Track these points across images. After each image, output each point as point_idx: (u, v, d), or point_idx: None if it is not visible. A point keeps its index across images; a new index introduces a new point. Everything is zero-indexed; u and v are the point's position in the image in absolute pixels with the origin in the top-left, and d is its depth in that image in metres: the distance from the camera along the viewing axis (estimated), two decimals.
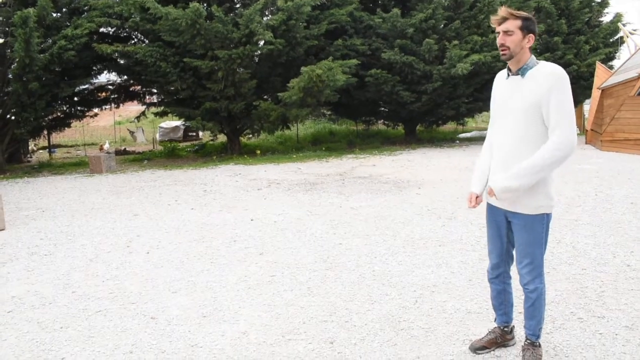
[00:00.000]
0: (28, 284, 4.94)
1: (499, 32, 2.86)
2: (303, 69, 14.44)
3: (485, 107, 19.87)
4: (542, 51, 19.58)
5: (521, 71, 2.85)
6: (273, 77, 16.54)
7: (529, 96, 2.78)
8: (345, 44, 17.10)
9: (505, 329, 3.31)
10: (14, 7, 14.05)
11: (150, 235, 6.63)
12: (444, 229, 6.47)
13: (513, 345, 3.34)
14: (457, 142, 20.84)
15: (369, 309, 4.03)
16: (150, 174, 13.08)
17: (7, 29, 14.20)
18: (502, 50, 2.85)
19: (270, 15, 15.99)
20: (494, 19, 2.86)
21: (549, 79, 2.73)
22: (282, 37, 15.04)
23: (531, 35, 2.82)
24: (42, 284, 4.92)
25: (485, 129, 22.91)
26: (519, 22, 2.80)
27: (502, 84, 3.03)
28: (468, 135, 23.43)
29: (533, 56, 2.87)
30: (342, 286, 4.56)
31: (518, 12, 2.83)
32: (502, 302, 3.26)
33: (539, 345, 3.11)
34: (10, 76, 14.52)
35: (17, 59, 13.35)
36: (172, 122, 28.19)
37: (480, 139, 19.19)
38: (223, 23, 14.33)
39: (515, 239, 3.02)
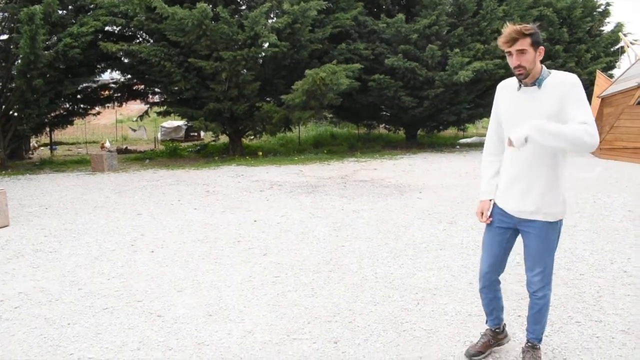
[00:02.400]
0: (34, 280, 5.01)
1: (510, 52, 2.82)
2: (307, 72, 14.52)
3: (486, 113, 19.94)
4: (544, 59, 19.61)
5: (538, 82, 2.84)
6: (277, 79, 16.62)
7: (550, 105, 2.77)
8: (349, 48, 17.19)
9: (497, 329, 3.35)
10: (20, 4, 14.11)
11: (154, 235, 6.70)
12: (445, 232, 6.55)
13: (507, 342, 3.41)
14: (458, 147, 20.92)
15: (372, 311, 4.11)
16: (152, 174, 13.15)
17: (12, 25, 14.26)
18: (519, 71, 2.82)
19: (275, 18, 16.10)
20: (503, 42, 2.81)
21: (567, 86, 2.75)
22: (286, 40, 15.13)
23: (541, 47, 2.82)
24: (48, 281, 4.98)
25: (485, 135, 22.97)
26: (529, 40, 2.77)
27: (512, 94, 2.98)
28: (468, 140, 23.51)
29: (543, 65, 2.88)
30: (346, 288, 4.64)
31: (526, 28, 2.77)
32: (493, 308, 3.30)
33: (539, 348, 3.17)
34: (14, 72, 14.59)
35: (21, 56, 13.40)
36: (174, 122, 28.26)
37: (480, 145, 19.28)
38: (229, 24, 14.42)
39: (527, 247, 3.03)
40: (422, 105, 17.79)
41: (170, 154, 18.62)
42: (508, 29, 2.81)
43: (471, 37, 17.86)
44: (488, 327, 3.37)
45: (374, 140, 23.08)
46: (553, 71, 2.86)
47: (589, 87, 19.85)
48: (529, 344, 3.17)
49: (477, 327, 3.75)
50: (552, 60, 19.84)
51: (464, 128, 26.42)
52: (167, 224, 7.28)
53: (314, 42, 16.09)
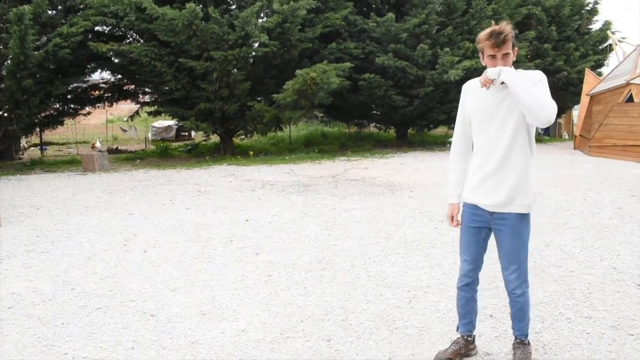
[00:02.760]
0: (27, 280, 5.00)
1: (494, 56, 2.84)
2: (298, 71, 14.55)
3: None
4: (533, 57, 19.84)
5: None
6: (267, 79, 16.64)
7: (517, 103, 2.82)
8: (340, 47, 17.24)
9: (469, 338, 3.33)
10: (9, 4, 14.02)
11: (147, 234, 6.70)
12: (436, 231, 6.60)
13: (475, 354, 3.35)
14: (448, 145, 20.97)
15: (364, 309, 4.15)
16: (143, 173, 13.12)
17: (1, 25, 14.17)
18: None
19: (265, 18, 16.10)
20: (491, 45, 2.82)
21: (533, 79, 2.82)
22: (277, 40, 15.15)
23: (516, 48, 2.91)
24: (41, 281, 4.98)
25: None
26: (511, 43, 2.85)
27: (480, 93, 3.00)
28: None
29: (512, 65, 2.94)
30: (338, 286, 4.67)
31: (510, 31, 2.83)
32: (468, 310, 3.30)
33: (528, 343, 3.20)
34: (4, 73, 14.50)
35: (11, 56, 13.34)
36: (165, 122, 28.18)
37: None
38: (219, 24, 14.41)
39: (500, 246, 3.07)
40: (412, 104, 17.88)
41: (161, 154, 18.58)
42: (497, 31, 2.81)
43: (461, 35, 17.97)
44: (460, 335, 3.34)
45: (365, 139, 23.15)
46: (520, 70, 2.90)
47: (578, 85, 20.05)
48: (517, 340, 3.20)
49: None
50: (542, 59, 20.01)
51: (454, 126, 26.58)
52: (159, 224, 7.28)
53: (304, 41, 16.12)
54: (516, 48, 2.91)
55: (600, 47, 23.08)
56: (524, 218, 2.99)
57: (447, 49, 16.91)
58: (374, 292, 4.50)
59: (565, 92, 21.37)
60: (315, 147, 19.60)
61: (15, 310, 4.27)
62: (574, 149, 18.25)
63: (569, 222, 6.94)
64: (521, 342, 3.19)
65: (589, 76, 18.55)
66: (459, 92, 3.27)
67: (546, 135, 27.04)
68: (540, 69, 18.69)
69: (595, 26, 23.50)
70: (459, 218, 3.23)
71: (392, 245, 5.99)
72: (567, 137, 25.81)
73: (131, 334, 3.79)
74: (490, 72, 2.80)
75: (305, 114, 17.11)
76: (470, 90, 3.08)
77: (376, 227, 6.88)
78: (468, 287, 3.26)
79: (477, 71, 16.81)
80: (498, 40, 2.81)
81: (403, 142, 20.74)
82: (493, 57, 2.86)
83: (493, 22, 2.99)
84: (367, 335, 3.68)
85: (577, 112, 20.75)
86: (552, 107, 2.69)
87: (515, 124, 2.87)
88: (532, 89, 2.70)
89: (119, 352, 3.50)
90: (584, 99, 17.98)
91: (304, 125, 28.49)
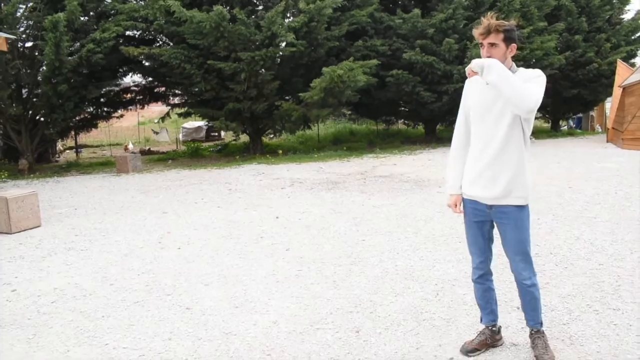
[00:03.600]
0: (68, 277, 5.23)
1: (482, 44, 2.98)
2: (324, 69, 14.64)
3: None
4: (563, 49, 19.54)
5: None
6: (295, 78, 16.77)
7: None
8: (366, 44, 17.26)
9: (494, 328, 3.38)
10: (44, 12, 14.50)
11: (180, 232, 6.90)
12: (464, 226, 6.61)
13: (502, 345, 3.41)
14: None
15: (392, 301, 4.24)
16: (175, 174, 13.41)
17: (37, 32, 14.65)
18: None
19: (292, 17, 16.24)
20: (478, 33, 2.98)
21: (529, 76, 2.91)
22: (303, 39, 15.27)
23: (513, 44, 2.97)
24: (81, 277, 5.20)
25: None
26: (502, 35, 2.93)
27: (480, 88, 3.07)
28: None
29: (513, 63, 3.02)
30: (367, 280, 4.77)
31: (501, 24, 2.93)
32: (487, 300, 3.36)
33: (544, 331, 3.25)
34: (40, 78, 15.00)
35: (46, 62, 13.79)
36: (195, 123, 28.61)
37: None
38: (246, 25, 14.61)
39: (504, 239, 3.14)
40: (440, 100, 17.80)
41: (192, 154, 18.91)
42: (485, 21, 2.96)
43: None
44: (485, 326, 3.40)
45: (393, 135, 23.13)
46: (521, 68, 3.01)
47: (610, 77, 19.66)
48: (534, 330, 3.24)
49: None
50: (572, 51, 19.69)
51: (457, 119, 26.33)
52: (192, 222, 7.48)
53: (331, 39, 16.20)
54: (514, 44, 2.97)
55: (632, 38, 22.54)
56: (523, 209, 3.06)
57: (475, 42, 16.78)
58: (401, 285, 4.58)
59: (597, 84, 20.99)
60: (344, 144, 19.68)
61: (58, 304, 4.49)
62: (607, 142, 17.91)
63: (599, 216, 6.88)
64: (537, 331, 3.24)
65: (621, 67, 18.18)
66: None
67: (578, 128, 26.59)
68: (570, 61, 18.35)
69: (627, 16, 22.96)
70: (462, 208, 3.29)
71: (420, 240, 6.06)
72: (599, 129, 25.30)
73: (168, 326, 3.95)
74: (473, 64, 2.88)
75: (332, 111, 17.20)
76: (474, 84, 3.14)
77: (404, 222, 6.95)
78: (482, 279, 3.33)
79: None
80: (483, 29, 2.94)
81: (432, 138, 20.65)
82: (481, 45, 2.99)
83: (488, 14, 3.07)
84: (394, 326, 3.77)
85: (610, 105, 20.34)
86: (532, 97, 2.77)
87: (511, 118, 2.94)
88: (513, 79, 2.78)
89: (157, 343, 3.67)
90: (617, 91, 17.62)
91: (332, 123, 28.57)
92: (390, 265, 5.18)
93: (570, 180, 9.70)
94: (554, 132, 21.77)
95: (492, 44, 2.95)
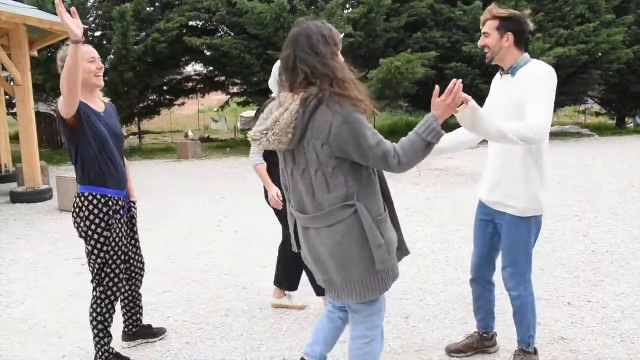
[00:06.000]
0: None
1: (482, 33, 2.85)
2: (382, 61, 14.63)
3: (568, 101, 19.29)
4: (632, 43, 18.72)
5: (511, 70, 2.81)
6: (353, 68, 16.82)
7: (515, 96, 2.74)
8: (425, 36, 17.11)
9: (485, 335, 3.27)
10: (113, 3, 15.15)
11: (238, 217, 7.16)
12: None
13: (495, 352, 3.30)
14: None
15: (442, 291, 4.30)
16: (234, 161, 13.78)
17: (106, 22, 15.32)
18: (486, 52, 2.84)
19: (351, 9, 16.29)
20: (482, 20, 2.86)
21: (533, 77, 2.70)
22: (362, 30, 15.30)
23: (509, 34, 2.74)
24: (145, 255, 5.47)
25: (566, 124, 22.16)
26: (496, 23, 2.76)
27: (496, 82, 2.99)
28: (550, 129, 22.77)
29: (527, 55, 2.82)
30: (417, 269, 4.84)
31: (499, 11, 2.77)
32: (479, 307, 3.24)
33: (535, 353, 3.01)
34: (107, 67, 15.68)
35: (114, 51, 14.42)
36: (253, 112, 29.07)
37: (560, 134, 18.68)
38: (306, 17, 14.75)
39: (502, 242, 3.01)
40: None
41: (249, 143, 19.25)
42: (488, 8, 2.85)
43: (552, 22, 17.29)
44: (476, 330, 3.32)
45: (450, 129, 22.73)
46: (534, 61, 2.81)
47: None
48: (519, 347, 3.03)
49: (545, 310, 3.87)
50: None
51: None
52: (249, 207, 7.72)
53: (390, 31, 16.16)
54: (509, 34, 2.75)
55: None
56: (522, 221, 2.85)
57: (539, 36, 16.35)
58: (452, 276, 4.64)
59: None
60: (400, 136, 19.22)
61: None
62: None
63: None
64: (521, 350, 3.01)
65: None
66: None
67: None
68: (639, 56, 17.39)
69: None
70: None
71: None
72: None
73: (225, 303, 4.17)
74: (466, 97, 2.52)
75: (390, 103, 17.17)
76: (494, 80, 3.02)
77: (458, 215, 6.95)
78: (475, 283, 3.23)
79: (570, 58, 16.17)
80: (483, 17, 2.84)
81: None
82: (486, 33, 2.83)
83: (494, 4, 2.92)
84: (443, 315, 3.85)
85: None
86: (535, 137, 2.55)
87: (513, 118, 2.72)
88: (504, 129, 2.52)
89: (215, 318, 3.89)
90: None
91: (388, 115, 28.43)
92: (441, 256, 5.23)
93: (633, 179, 9.39)
94: (618, 129, 20.94)
95: (485, 33, 2.80)
